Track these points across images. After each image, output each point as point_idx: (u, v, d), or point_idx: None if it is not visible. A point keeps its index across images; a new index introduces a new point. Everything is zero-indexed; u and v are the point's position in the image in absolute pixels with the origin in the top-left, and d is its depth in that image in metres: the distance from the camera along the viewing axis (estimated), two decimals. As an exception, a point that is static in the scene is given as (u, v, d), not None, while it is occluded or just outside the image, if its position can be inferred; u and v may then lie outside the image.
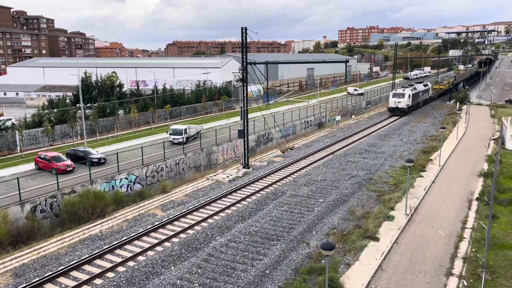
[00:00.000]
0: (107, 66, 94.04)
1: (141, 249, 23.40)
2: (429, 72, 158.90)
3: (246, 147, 40.87)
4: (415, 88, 76.27)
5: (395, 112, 71.71)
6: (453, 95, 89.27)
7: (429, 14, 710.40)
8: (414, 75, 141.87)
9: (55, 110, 55.16)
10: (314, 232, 25.69)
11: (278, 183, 35.49)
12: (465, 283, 19.94)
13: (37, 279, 20.25)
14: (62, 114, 52.80)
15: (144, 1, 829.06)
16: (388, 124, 64.49)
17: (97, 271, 21.23)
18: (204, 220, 27.54)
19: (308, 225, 26.62)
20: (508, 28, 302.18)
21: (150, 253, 23.19)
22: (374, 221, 26.80)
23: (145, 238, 25.03)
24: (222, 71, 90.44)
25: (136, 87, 75.62)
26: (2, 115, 67.73)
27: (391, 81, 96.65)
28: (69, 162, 34.64)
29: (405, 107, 70.98)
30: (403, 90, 72.54)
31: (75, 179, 32.62)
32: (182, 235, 25.35)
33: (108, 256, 22.84)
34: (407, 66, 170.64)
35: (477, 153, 45.64)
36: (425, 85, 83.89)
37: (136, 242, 24.49)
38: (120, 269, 21.51)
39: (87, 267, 21.70)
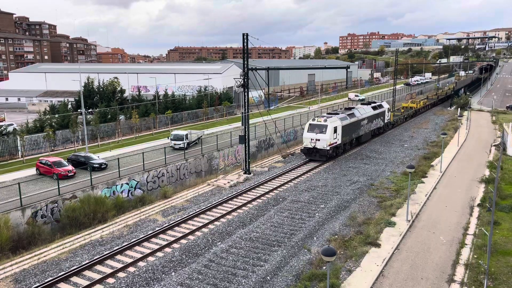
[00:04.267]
0: (109, 72, 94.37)
1: (141, 255, 23.36)
2: (430, 78, 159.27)
3: (247, 152, 40.88)
4: (352, 115, 47.85)
5: (312, 155, 43.47)
6: (454, 101, 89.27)
7: (430, 21, 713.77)
8: (415, 81, 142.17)
9: (57, 115, 55.34)
10: (315, 238, 25.63)
11: (279, 189, 35.44)
12: (467, 290, 19.84)
13: (38, 284, 20.20)
14: (63, 120, 52.97)
15: (148, 7, 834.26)
16: (389, 130, 64.49)
17: (97, 276, 21.18)
18: (205, 225, 27.50)
19: (309, 231, 26.55)
20: (508, 35, 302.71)
21: (150, 258, 23.15)
22: (375, 227, 26.73)
23: (145, 243, 24.99)
24: (223, 77, 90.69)
25: (137, 93, 75.93)
26: (4, 120, 67.94)
27: (392, 87, 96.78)
28: (70, 167, 34.67)
29: (327, 148, 42.27)
30: (325, 121, 42.97)
31: (76, 185, 32.64)
32: (183, 241, 25.31)
33: (108, 261, 22.80)
34: (408, 72, 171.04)
35: (478, 159, 45.58)
36: (375, 107, 54.84)
37: (136, 247, 24.45)
38: (121, 274, 21.47)
39: (87, 273, 21.65)
